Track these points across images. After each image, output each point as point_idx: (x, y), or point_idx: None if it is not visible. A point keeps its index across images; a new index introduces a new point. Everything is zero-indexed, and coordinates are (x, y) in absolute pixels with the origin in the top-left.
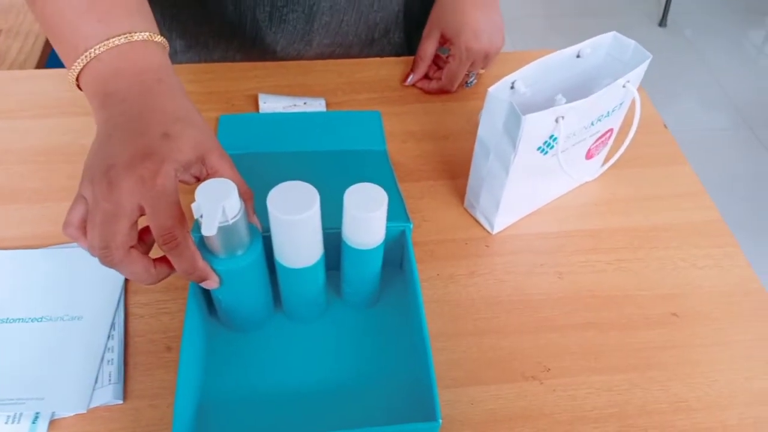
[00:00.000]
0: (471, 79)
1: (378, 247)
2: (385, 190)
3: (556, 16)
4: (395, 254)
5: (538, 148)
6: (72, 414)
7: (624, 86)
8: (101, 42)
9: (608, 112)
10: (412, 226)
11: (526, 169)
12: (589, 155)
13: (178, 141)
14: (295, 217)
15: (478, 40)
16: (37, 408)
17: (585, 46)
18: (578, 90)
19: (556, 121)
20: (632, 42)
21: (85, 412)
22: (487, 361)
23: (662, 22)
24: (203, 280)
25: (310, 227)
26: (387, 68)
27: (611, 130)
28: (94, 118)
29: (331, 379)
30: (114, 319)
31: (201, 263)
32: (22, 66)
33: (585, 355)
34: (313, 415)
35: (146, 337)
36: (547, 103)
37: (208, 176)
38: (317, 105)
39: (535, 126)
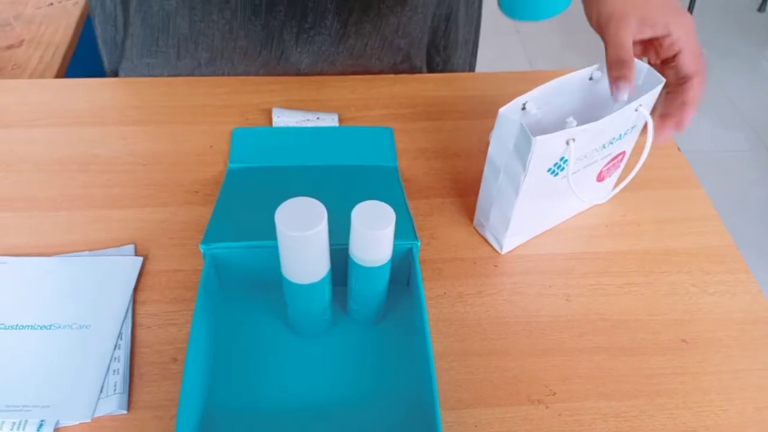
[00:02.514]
0: None
1: (385, 265)
2: (395, 206)
3: (573, 32)
4: (402, 272)
5: (549, 170)
6: (76, 423)
7: (636, 110)
8: None
9: (620, 135)
10: (419, 244)
11: (536, 190)
12: (600, 177)
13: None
14: (303, 234)
15: (689, 16)
16: (43, 415)
17: (597, 68)
18: (590, 112)
19: (567, 143)
20: (645, 65)
21: (90, 421)
22: (494, 382)
23: None
24: None
25: (317, 244)
26: (400, 85)
27: (623, 153)
28: None
29: (335, 395)
30: (121, 329)
31: None
32: (41, 75)
33: (592, 379)
34: (316, 431)
35: (153, 348)
36: (558, 125)
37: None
38: (330, 120)
39: (546, 148)
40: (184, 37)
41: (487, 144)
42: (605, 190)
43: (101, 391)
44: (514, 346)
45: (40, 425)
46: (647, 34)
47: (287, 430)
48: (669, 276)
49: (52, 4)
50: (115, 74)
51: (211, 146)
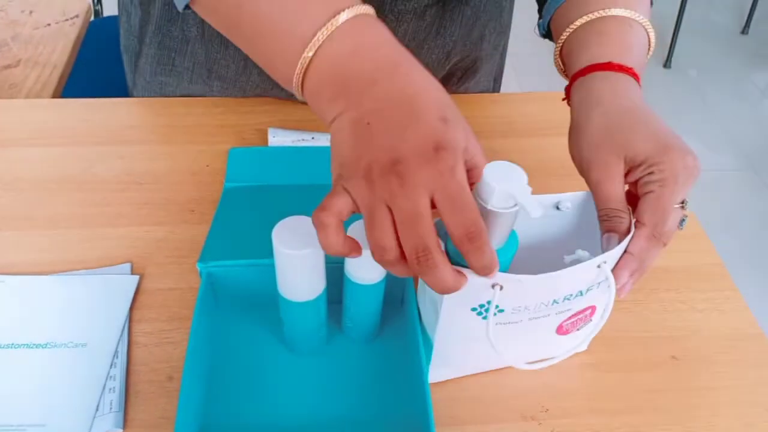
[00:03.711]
0: (685, 218)
1: (379, 283)
2: None
3: None
4: (397, 290)
5: (473, 309)
6: None
7: (599, 266)
8: (330, 19)
9: (581, 292)
10: None
11: (461, 328)
12: (562, 331)
13: (457, 127)
14: (299, 252)
15: (691, 155)
16: None
17: (564, 199)
18: (563, 246)
19: (493, 287)
20: None
21: None
22: (487, 399)
23: (667, 63)
24: (495, 270)
25: (313, 262)
26: None
27: (592, 308)
28: (324, 113)
29: (330, 412)
30: (117, 347)
31: (494, 251)
32: (38, 95)
33: (584, 396)
34: None
35: (149, 366)
36: (544, 256)
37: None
38: (325, 140)
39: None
40: (200, 64)
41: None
42: (572, 343)
43: (97, 410)
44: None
45: None
46: (632, 178)
47: None
48: (658, 293)
49: (49, 24)
50: (133, 86)
51: (208, 165)
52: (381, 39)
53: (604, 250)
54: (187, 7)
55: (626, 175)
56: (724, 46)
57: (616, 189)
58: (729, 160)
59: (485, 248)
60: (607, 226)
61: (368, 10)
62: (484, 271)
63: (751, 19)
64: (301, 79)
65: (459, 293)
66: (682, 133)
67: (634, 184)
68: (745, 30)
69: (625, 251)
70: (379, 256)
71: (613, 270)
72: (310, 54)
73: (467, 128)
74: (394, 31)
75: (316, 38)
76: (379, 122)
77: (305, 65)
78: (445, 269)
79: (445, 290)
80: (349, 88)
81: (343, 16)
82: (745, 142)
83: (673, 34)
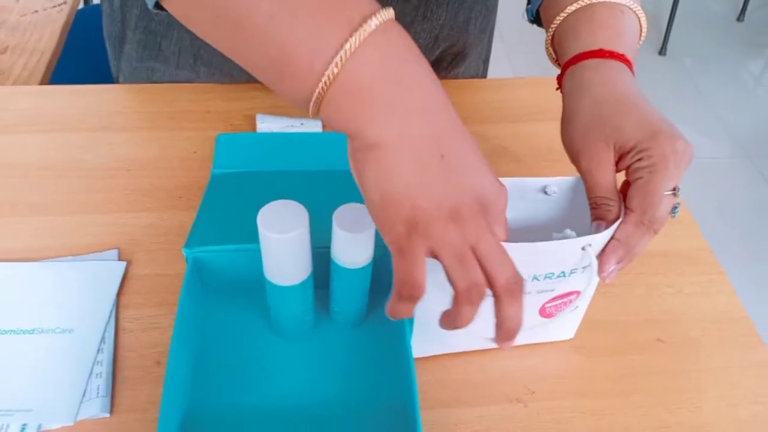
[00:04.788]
0: (677, 205)
1: (366, 267)
2: None
3: None
4: (385, 274)
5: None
6: (59, 426)
7: (584, 248)
8: (358, 26)
9: (564, 273)
10: None
11: (442, 304)
12: (545, 313)
13: (488, 171)
14: (284, 236)
15: (681, 139)
16: (25, 419)
17: (552, 183)
18: (549, 230)
19: None
20: None
21: (72, 424)
22: (473, 382)
23: (662, 51)
24: (520, 326)
25: (298, 246)
26: None
27: (576, 293)
28: (375, 128)
29: (317, 396)
30: (105, 333)
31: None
32: (26, 82)
33: (570, 378)
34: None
35: (136, 352)
36: (531, 234)
37: None
38: (314, 126)
39: None
40: (185, 49)
41: None
42: (559, 327)
43: (84, 395)
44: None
45: (23, 429)
46: (623, 165)
47: (269, 431)
48: (645, 277)
49: (36, 11)
50: (118, 72)
51: (195, 152)
52: (413, 53)
53: (593, 233)
54: (157, 6)
55: (617, 162)
56: (720, 33)
57: (606, 176)
58: (724, 148)
59: (521, 298)
60: (596, 214)
61: (392, 13)
62: (513, 323)
63: (747, 6)
64: (323, 93)
65: (436, 265)
66: (676, 120)
67: (629, 172)
68: (740, 17)
69: (612, 237)
70: (477, 295)
71: (600, 255)
72: (336, 69)
73: None
74: None
75: (344, 49)
76: (452, 155)
77: (331, 78)
78: (523, 299)
79: (520, 323)
80: (390, 113)
81: (374, 22)
82: (739, 130)
83: (669, 21)
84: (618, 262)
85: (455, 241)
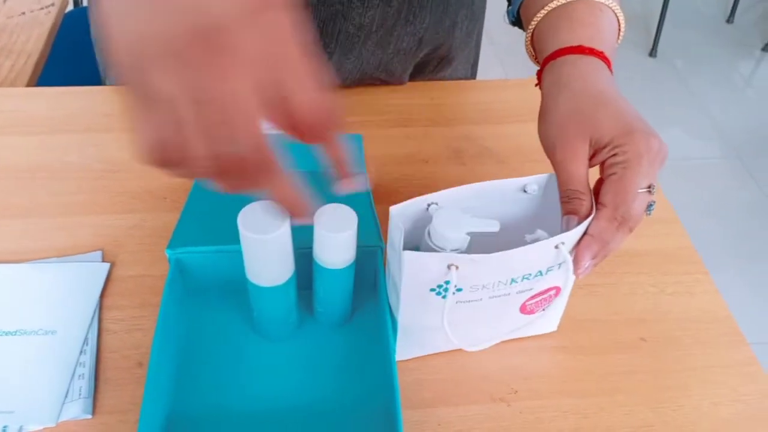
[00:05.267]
0: (653, 203)
1: (348, 267)
2: (361, 211)
3: None
4: (369, 275)
5: (432, 290)
6: (41, 427)
7: (557, 247)
8: None
9: (541, 272)
10: (384, 247)
11: (421, 308)
12: (525, 310)
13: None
14: (265, 236)
15: (656, 138)
16: (6, 421)
17: (531, 182)
18: (527, 228)
19: (449, 268)
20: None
21: (54, 426)
22: (456, 382)
23: (652, 53)
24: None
25: (279, 246)
26: (370, 93)
27: (555, 288)
28: None
29: (301, 397)
30: (87, 334)
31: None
32: (12, 84)
33: (553, 378)
34: None
35: (119, 353)
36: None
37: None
38: None
39: (420, 266)
40: None
41: (456, 150)
42: (541, 321)
43: (66, 396)
44: None
45: (4, 430)
46: (597, 161)
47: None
48: (629, 277)
49: (24, 13)
50: (106, 75)
51: None
52: None
53: (563, 229)
54: None
55: (592, 157)
56: (710, 35)
57: (579, 170)
58: (714, 148)
59: (335, 133)
60: (567, 209)
61: None
62: (343, 167)
63: (736, 7)
64: None
65: (415, 276)
66: (667, 121)
67: (603, 167)
68: (730, 19)
69: (585, 233)
70: (195, 165)
71: (575, 251)
72: None
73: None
74: (362, 17)
75: None
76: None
77: None
78: (284, 176)
79: (293, 201)
80: None
81: None
82: (730, 131)
83: (659, 23)
84: (593, 258)
85: (176, 87)
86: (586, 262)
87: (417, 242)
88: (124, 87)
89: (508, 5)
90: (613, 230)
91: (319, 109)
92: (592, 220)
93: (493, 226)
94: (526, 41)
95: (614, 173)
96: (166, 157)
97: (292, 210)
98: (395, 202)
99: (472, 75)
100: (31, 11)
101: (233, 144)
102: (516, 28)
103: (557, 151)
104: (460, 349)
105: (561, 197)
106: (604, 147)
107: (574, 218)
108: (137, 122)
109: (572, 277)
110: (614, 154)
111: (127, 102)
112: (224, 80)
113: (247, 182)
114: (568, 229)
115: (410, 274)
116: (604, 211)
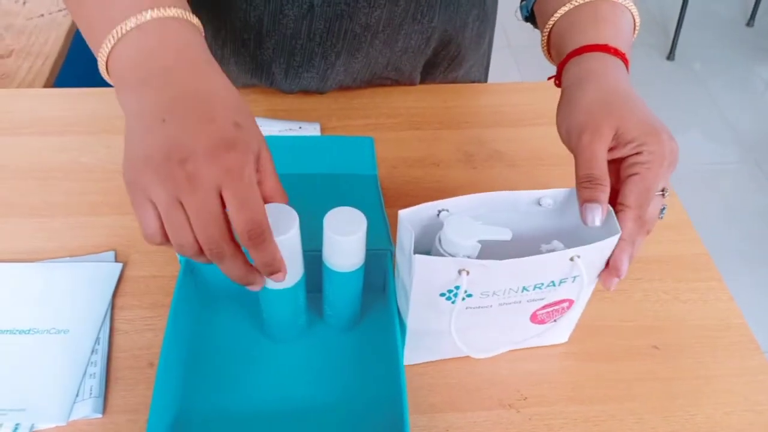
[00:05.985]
0: (665, 207)
1: (358, 270)
2: (371, 214)
3: None
4: (378, 277)
5: (442, 294)
6: (52, 426)
7: (572, 260)
8: (141, 11)
9: (554, 283)
10: (394, 250)
11: (431, 312)
12: (537, 320)
13: (249, 132)
14: (275, 239)
15: (675, 141)
16: (18, 419)
17: (546, 195)
18: (536, 241)
19: (459, 273)
20: (607, 208)
21: (65, 424)
22: (466, 387)
23: (670, 56)
24: (278, 272)
25: (289, 249)
26: (381, 96)
27: (569, 301)
28: (124, 101)
29: (309, 400)
30: (99, 333)
31: (279, 254)
32: (30, 85)
33: (563, 384)
34: None
35: (130, 353)
36: (484, 245)
37: (257, 173)
38: (312, 129)
39: (430, 270)
40: None
41: (467, 154)
42: (552, 332)
43: (77, 395)
44: None
45: (15, 428)
46: (617, 155)
47: None
48: (642, 283)
49: (42, 15)
50: None
51: None
52: (188, 39)
53: (584, 221)
54: None
55: (612, 149)
56: (729, 38)
57: (603, 153)
58: (732, 153)
59: (267, 246)
60: (586, 195)
61: (177, 13)
62: (267, 269)
63: (757, 11)
64: (106, 65)
65: (425, 280)
66: (685, 125)
67: (617, 167)
68: (750, 22)
69: (619, 239)
70: (178, 249)
71: (612, 257)
72: (119, 35)
73: (261, 139)
74: (369, 17)
75: (124, 23)
76: (175, 120)
77: (110, 47)
78: (235, 261)
79: (239, 279)
80: (148, 83)
81: (156, 13)
82: (748, 135)
83: (677, 26)
84: (629, 261)
85: (161, 195)
86: (626, 264)
87: (427, 248)
88: (129, 192)
89: (522, 0)
90: (640, 231)
91: (251, 231)
92: (620, 223)
93: (505, 235)
94: (542, 38)
95: (636, 173)
96: (158, 242)
97: (238, 280)
98: (406, 205)
99: (485, 78)
100: (50, 13)
101: (204, 234)
102: (532, 27)
103: (584, 133)
104: (467, 356)
105: (580, 181)
106: (628, 143)
107: (597, 206)
108: (137, 216)
109: (589, 289)
110: (638, 153)
111: (132, 201)
112: (192, 192)
113: (222, 263)
114: (588, 218)
115: (420, 277)
116: (629, 212)
